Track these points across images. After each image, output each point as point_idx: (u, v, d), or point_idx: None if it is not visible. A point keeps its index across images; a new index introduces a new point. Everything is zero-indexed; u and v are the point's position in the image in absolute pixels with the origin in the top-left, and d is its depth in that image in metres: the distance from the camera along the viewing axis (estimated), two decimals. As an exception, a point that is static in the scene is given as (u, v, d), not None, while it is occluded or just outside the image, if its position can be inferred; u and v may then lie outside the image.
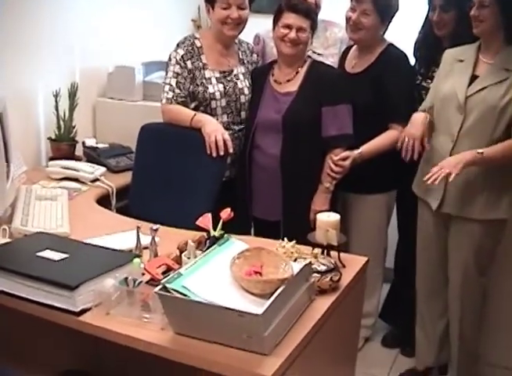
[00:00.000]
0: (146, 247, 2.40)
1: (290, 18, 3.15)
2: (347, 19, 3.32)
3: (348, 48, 3.54)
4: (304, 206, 3.20)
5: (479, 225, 3.04)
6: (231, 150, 3.11)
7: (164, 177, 3.21)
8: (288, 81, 3.24)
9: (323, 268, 2.23)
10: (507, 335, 3.58)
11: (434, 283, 3.35)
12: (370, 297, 3.54)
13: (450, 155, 2.97)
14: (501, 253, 3.23)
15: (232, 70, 3.34)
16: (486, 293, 3.30)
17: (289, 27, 3.15)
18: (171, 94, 3.21)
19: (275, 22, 3.22)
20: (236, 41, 3.43)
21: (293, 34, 3.14)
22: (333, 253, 2.46)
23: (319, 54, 3.50)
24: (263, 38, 3.67)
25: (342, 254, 2.48)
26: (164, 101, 3.25)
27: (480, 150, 2.87)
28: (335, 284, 2.24)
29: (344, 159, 3.16)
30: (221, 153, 3.07)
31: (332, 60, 3.55)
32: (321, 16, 3.62)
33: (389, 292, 3.90)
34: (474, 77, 3.01)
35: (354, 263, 2.49)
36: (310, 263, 2.13)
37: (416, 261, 3.36)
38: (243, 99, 3.33)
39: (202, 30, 3.33)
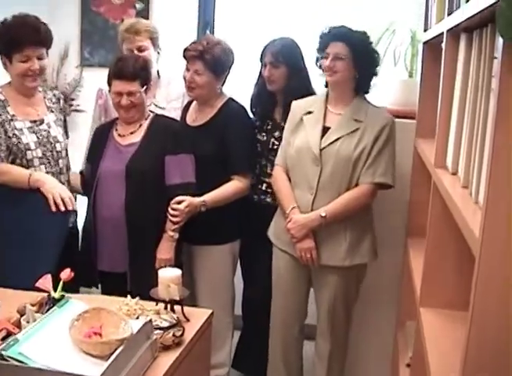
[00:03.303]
0: (-15, 312, 2.34)
1: (117, 85, 3.15)
2: (184, 78, 3.38)
3: (190, 102, 3.58)
4: (151, 256, 3.17)
5: (342, 272, 3.13)
6: (75, 207, 3.08)
7: (4, 238, 3.07)
8: (131, 133, 3.24)
9: (166, 324, 2.24)
10: (367, 364, 3.73)
11: (291, 334, 3.37)
12: (222, 347, 3.55)
13: (312, 208, 3.07)
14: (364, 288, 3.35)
15: (42, 119, 3.23)
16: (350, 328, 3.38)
17: (119, 93, 3.15)
18: None
19: (109, 85, 3.22)
20: (41, 89, 3.33)
21: (124, 101, 3.15)
22: (178, 307, 2.47)
23: (161, 108, 3.52)
24: (105, 93, 3.64)
25: (186, 308, 2.50)
26: None
27: (323, 213, 3.02)
28: (178, 339, 2.25)
29: (180, 203, 3.15)
30: (70, 208, 3.02)
31: (174, 114, 3.56)
32: (164, 71, 3.68)
33: (239, 340, 3.88)
34: (325, 129, 3.10)
35: (198, 316, 2.51)
36: (150, 321, 2.14)
37: (272, 309, 3.38)
38: (58, 147, 3.24)
39: (3, 84, 3.20)
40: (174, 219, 3.16)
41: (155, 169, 3.17)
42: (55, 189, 3.04)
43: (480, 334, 1.46)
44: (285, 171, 3.21)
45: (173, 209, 3.15)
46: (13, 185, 3.07)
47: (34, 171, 3.10)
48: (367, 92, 3.16)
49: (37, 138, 3.15)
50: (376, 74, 3.13)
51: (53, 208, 3.01)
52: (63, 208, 3.01)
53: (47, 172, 3.17)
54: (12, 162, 3.11)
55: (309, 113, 3.17)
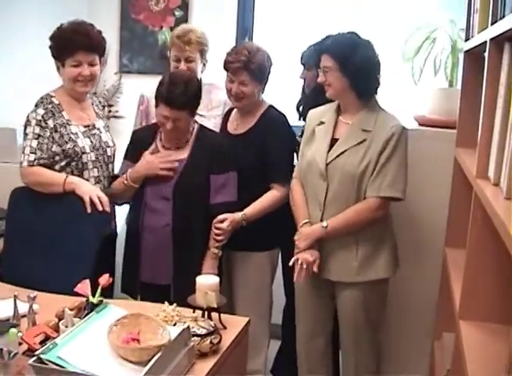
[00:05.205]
0: (24, 315, 2.36)
1: (165, 111, 3.09)
2: (229, 90, 3.38)
3: (230, 110, 3.59)
4: (195, 271, 3.09)
5: (357, 287, 3.04)
6: (108, 209, 3.10)
7: (41, 241, 3.10)
8: (177, 148, 3.25)
9: (203, 331, 2.25)
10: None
11: (315, 347, 3.32)
12: (257, 354, 3.54)
13: None
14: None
15: (94, 124, 3.32)
16: (380, 348, 3.30)
17: (166, 117, 3.11)
18: (32, 156, 3.11)
19: (156, 104, 3.16)
20: (88, 95, 3.39)
21: (169, 126, 3.11)
22: (215, 314, 2.47)
23: (201, 115, 3.51)
24: (147, 98, 3.65)
25: (223, 316, 2.50)
26: (25, 164, 3.13)
27: (324, 224, 2.97)
28: (215, 347, 2.26)
29: (222, 221, 3.19)
30: (107, 209, 3.07)
31: (214, 121, 3.60)
32: (205, 78, 3.69)
33: (279, 349, 3.90)
34: (334, 141, 3.03)
35: (235, 324, 2.52)
36: (188, 327, 2.14)
37: (296, 322, 3.34)
38: (109, 151, 3.31)
39: (56, 89, 3.26)
40: (218, 238, 3.19)
41: (202, 187, 3.19)
42: (91, 191, 3.08)
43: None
44: (301, 184, 3.16)
45: (216, 228, 3.18)
46: (48, 187, 3.13)
47: (70, 175, 3.15)
48: (372, 95, 3.03)
49: (91, 142, 3.23)
50: (375, 75, 2.98)
51: (89, 209, 3.05)
52: (100, 208, 3.06)
53: (98, 176, 3.26)
54: (67, 165, 3.17)
55: (321, 123, 3.10)
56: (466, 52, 3.11)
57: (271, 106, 3.47)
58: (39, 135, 3.12)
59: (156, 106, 3.14)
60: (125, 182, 3.24)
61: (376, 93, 3.04)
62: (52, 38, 3.19)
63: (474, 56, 3.00)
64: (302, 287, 3.23)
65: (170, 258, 3.18)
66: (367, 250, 3.01)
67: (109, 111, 4.77)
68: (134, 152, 3.32)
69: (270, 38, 4.55)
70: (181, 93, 3.07)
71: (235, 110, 3.53)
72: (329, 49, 2.95)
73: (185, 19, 4.75)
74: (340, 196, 2.98)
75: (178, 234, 3.17)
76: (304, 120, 3.51)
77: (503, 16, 2.03)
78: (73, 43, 3.14)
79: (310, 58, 3.38)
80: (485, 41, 2.32)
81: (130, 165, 3.30)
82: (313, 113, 3.17)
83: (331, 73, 2.94)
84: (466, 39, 3.12)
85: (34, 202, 3.18)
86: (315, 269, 3.00)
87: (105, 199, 3.10)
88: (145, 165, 3.21)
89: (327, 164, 2.98)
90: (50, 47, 3.20)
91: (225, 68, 3.36)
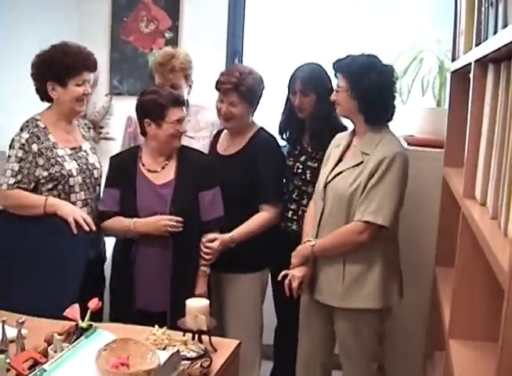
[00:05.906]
0: (12, 340, 2.34)
1: (178, 112, 3.16)
2: (218, 110, 3.40)
3: (220, 131, 3.60)
4: (190, 295, 2.97)
5: (347, 314, 3.00)
6: (94, 228, 3.08)
7: (23, 265, 3.05)
8: (163, 168, 3.24)
9: (193, 354, 2.24)
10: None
11: (313, 369, 3.28)
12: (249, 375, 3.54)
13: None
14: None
15: (80, 146, 3.31)
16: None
17: (180, 121, 3.16)
18: (12, 180, 3.09)
19: (156, 119, 3.14)
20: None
21: (183, 127, 3.19)
22: (206, 337, 2.47)
23: (190, 137, 3.52)
24: (135, 121, 3.65)
25: (213, 339, 2.49)
26: (4, 186, 3.10)
27: (313, 242, 3.00)
28: (206, 370, 2.24)
29: (212, 241, 3.21)
30: (92, 227, 3.05)
31: (203, 142, 3.60)
32: (192, 100, 3.70)
33: (272, 370, 3.88)
34: (339, 162, 3.05)
35: (225, 347, 2.50)
36: (178, 351, 2.13)
37: (298, 343, 3.32)
38: (96, 174, 3.31)
39: (41, 112, 3.25)
40: (207, 257, 3.21)
41: (192, 205, 3.20)
42: (74, 212, 3.07)
43: (510, 366, 1.44)
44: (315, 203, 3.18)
45: (206, 247, 3.20)
46: (28, 210, 3.10)
47: (50, 197, 3.12)
48: (381, 121, 3.00)
49: (78, 165, 3.23)
50: (386, 101, 2.96)
51: (75, 230, 3.03)
52: (86, 228, 3.04)
53: (86, 199, 3.24)
54: (54, 188, 3.15)
55: (338, 146, 3.11)
56: (452, 72, 3.14)
57: (261, 129, 3.48)
58: (21, 159, 3.11)
59: (163, 118, 3.13)
60: (127, 228, 3.15)
61: (388, 120, 3.02)
62: (47, 61, 3.18)
63: (460, 77, 3.03)
64: (305, 305, 3.24)
65: (167, 284, 3.14)
66: (355, 274, 2.96)
67: (100, 133, 4.79)
68: (114, 179, 3.29)
69: (260, 60, 4.57)
70: (179, 93, 3.27)
71: (225, 131, 3.55)
72: (343, 69, 2.96)
73: (175, 41, 4.75)
74: (332, 216, 2.99)
75: (179, 258, 3.15)
76: (289, 143, 3.54)
77: (487, 38, 2.06)
78: (79, 63, 3.17)
79: (309, 82, 3.36)
80: (470, 63, 2.35)
81: (113, 193, 3.26)
82: (336, 138, 3.18)
83: (341, 93, 2.95)
84: (453, 60, 3.15)
85: (12, 226, 3.14)
86: (294, 284, 3.02)
87: (89, 219, 3.08)
88: (153, 223, 3.12)
89: (325, 185, 3.01)
90: (47, 69, 3.17)
91: (217, 88, 3.38)
